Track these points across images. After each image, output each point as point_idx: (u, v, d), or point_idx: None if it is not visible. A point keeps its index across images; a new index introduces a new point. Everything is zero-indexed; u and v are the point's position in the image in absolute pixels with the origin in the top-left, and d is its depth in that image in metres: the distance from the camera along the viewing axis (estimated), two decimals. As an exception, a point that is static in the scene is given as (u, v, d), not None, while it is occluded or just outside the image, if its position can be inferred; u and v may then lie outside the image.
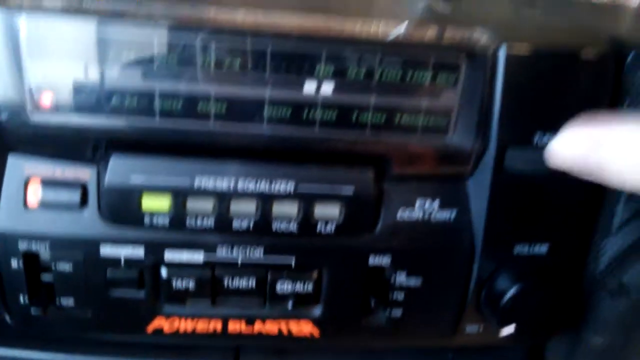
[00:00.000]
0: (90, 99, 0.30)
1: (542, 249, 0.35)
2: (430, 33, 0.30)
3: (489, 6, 0.45)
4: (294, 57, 0.30)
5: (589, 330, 0.37)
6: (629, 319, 0.36)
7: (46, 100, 0.30)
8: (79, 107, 0.30)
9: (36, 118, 0.30)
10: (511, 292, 0.33)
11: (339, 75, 0.30)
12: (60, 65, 0.29)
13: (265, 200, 0.32)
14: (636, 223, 0.34)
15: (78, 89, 0.30)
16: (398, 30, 0.30)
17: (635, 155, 0.24)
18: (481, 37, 0.31)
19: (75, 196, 0.32)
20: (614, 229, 0.34)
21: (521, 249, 0.34)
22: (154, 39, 0.29)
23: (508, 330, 0.34)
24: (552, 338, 0.40)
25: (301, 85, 0.30)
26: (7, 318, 0.34)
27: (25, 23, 0.29)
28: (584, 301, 0.37)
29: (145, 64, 0.29)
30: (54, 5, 0.29)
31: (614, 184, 0.25)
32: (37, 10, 0.29)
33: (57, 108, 0.30)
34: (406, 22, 0.30)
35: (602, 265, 0.35)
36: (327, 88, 0.30)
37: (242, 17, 0.30)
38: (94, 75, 0.29)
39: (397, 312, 0.36)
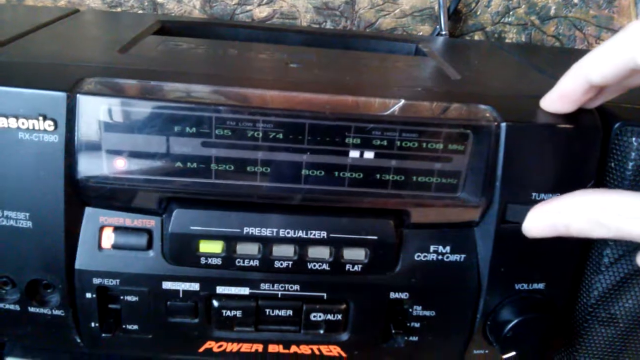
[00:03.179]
0: (158, 163, 0.33)
1: (539, 286, 0.38)
2: (440, 110, 0.34)
3: (495, 71, 0.49)
4: (328, 130, 0.33)
5: (581, 355, 0.40)
6: (617, 345, 0.40)
7: (120, 164, 0.33)
8: (148, 170, 0.34)
9: (111, 179, 0.34)
10: (512, 323, 0.37)
11: (364, 144, 0.34)
12: (132, 135, 0.33)
13: (302, 246, 0.36)
14: (622, 263, 0.37)
15: (147, 155, 0.33)
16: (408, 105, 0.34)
17: (587, 214, 0.30)
18: (485, 114, 0.34)
19: (142, 241, 0.36)
20: (603, 268, 0.38)
21: (521, 286, 0.38)
22: (212, 116, 0.33)
23: (509, 355, 0.38)
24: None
25: (333, 152, 0.34)
26: (78, 339, 0.38)
27: (104, 105, 0.32)
28: (577, 329, 0.40)
29: (204, 135, 0.33)
30: (125, 91, 0.33)
31: (582, 237, 0.31)
32: (112, 96, 0.33)
33: (129, 171, 0.34)
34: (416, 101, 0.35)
35: (593, 299, 0.38)
36: (355, 154, 0.34)
37: (284, 98, 0.34)
38: (161, 143, 0.33)
39: (414, 338, 0.39)
